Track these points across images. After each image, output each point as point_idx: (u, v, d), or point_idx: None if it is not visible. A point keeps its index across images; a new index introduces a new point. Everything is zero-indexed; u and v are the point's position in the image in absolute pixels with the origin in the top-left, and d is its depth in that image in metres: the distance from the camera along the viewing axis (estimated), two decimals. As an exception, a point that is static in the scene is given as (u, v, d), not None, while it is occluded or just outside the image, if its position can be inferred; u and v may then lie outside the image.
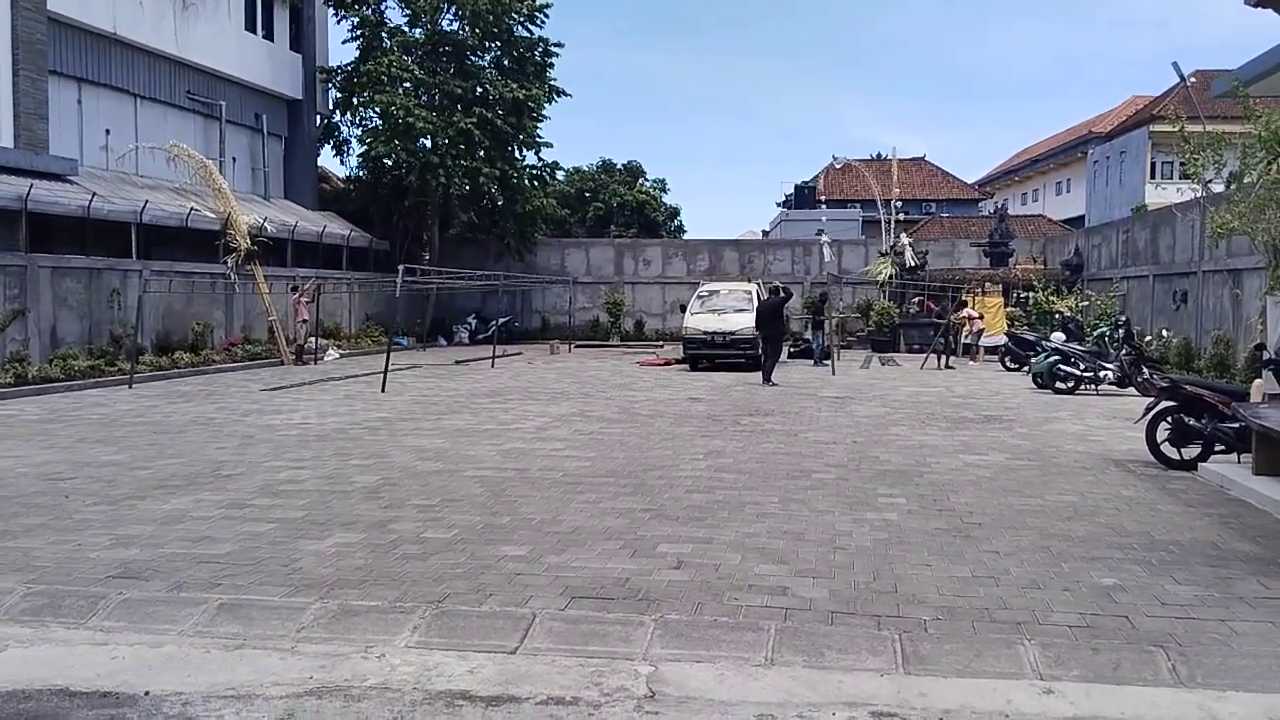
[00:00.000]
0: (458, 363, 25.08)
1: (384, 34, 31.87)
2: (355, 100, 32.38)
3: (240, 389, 18.12)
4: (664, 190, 51.78)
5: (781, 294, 21.25)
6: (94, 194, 21.34)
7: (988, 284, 27.86)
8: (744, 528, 7.30)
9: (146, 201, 22.81)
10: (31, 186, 19.61)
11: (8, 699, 4.40)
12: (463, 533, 7.14)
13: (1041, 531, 7.20)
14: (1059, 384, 17.85)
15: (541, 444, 11.39)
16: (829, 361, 23.37)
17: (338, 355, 26.20)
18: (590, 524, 7.40)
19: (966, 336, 25.84)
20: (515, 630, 5.17)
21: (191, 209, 24.18)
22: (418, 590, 5.75)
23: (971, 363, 24.96)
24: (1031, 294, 28.08)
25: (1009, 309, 27.83)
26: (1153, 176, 43.47)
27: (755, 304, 23.62)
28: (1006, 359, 22.94)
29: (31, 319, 18.76)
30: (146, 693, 4.48)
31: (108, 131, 24.71)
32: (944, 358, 23.85)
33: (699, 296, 25.02)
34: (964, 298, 26.82)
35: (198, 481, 9.10)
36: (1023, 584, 5.90)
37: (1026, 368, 20.34)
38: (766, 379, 19.14)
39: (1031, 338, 22.18)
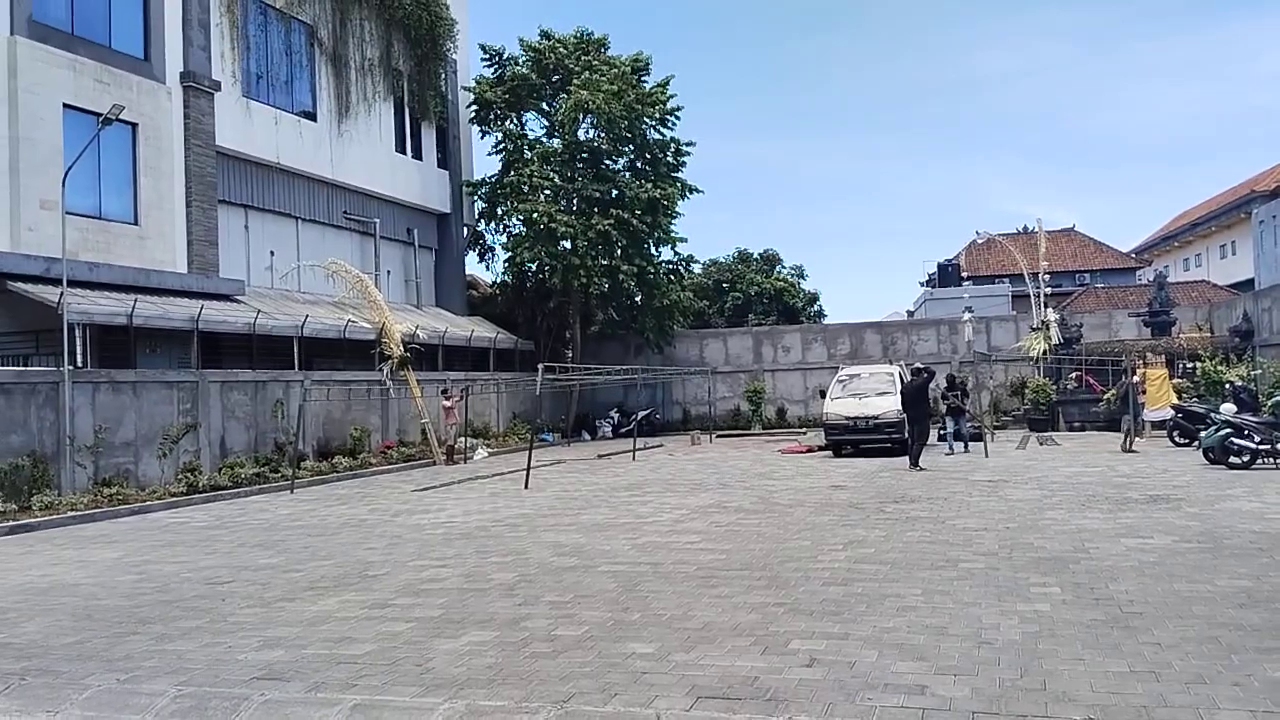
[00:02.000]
0: (600, 457, 25.33)
1: (525, 146, 33.37)
2: (499, 210, 33.87)
3: (393, 490, 18.76)
4: (802, 276, 51.60)
5: (924, 375, 20.66)
6: (259, 311, 22.86)
7: (1149, 354, 26.38)
8: (882, 622, 7.00)
9: (307, 316, 24.27)
10: (203, 308, 21.18)
11: (151, 800, 4.56)
12: (592, 629, 7.10)
13: (1209, 620, 6.63)
14: (1233, 458, 16.61)
15: (677, 537, 11.30)
16: (967, 446, 22.29)
17: (486, 454, 26.88)
18: (721, 619, 7.24)
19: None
20: (639, 732, 5.06)
21: (349, 321, 25.56)
22: (544, 690, 5.72)
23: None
24: (1198, 364, 26.44)
25: (1174, 380, 26.27)
26: (1328, 232, 40.64)
27: (898, 386, 23.10)
28: (1175, 434, 21.57)
29: (203, 431, 20.06)
30: (279, 794, 4.57)
31: (272, 253, 26.58)
32: (1129, 438, 21.34)
33: (839, 381, 24.63)
34: (1135, 363, 24.92)
35: (345, 582, 9.40)
36: (1186, 679, 5.41)
37: (1196, 443, 19.05)
38: (914, 463, 18.54)
39: (1201, 410, 20.81)
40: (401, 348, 25.17)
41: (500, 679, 5.98)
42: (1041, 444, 24.19)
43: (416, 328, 27.43)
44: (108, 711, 5.80)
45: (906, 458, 19.33)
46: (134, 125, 21.63)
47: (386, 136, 30.93)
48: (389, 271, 31.41)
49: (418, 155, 32.66)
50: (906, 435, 22.03)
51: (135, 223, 21.77)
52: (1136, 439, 22.19)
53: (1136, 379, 22.91)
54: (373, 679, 6.10)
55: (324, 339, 25.04)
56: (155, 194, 22.13)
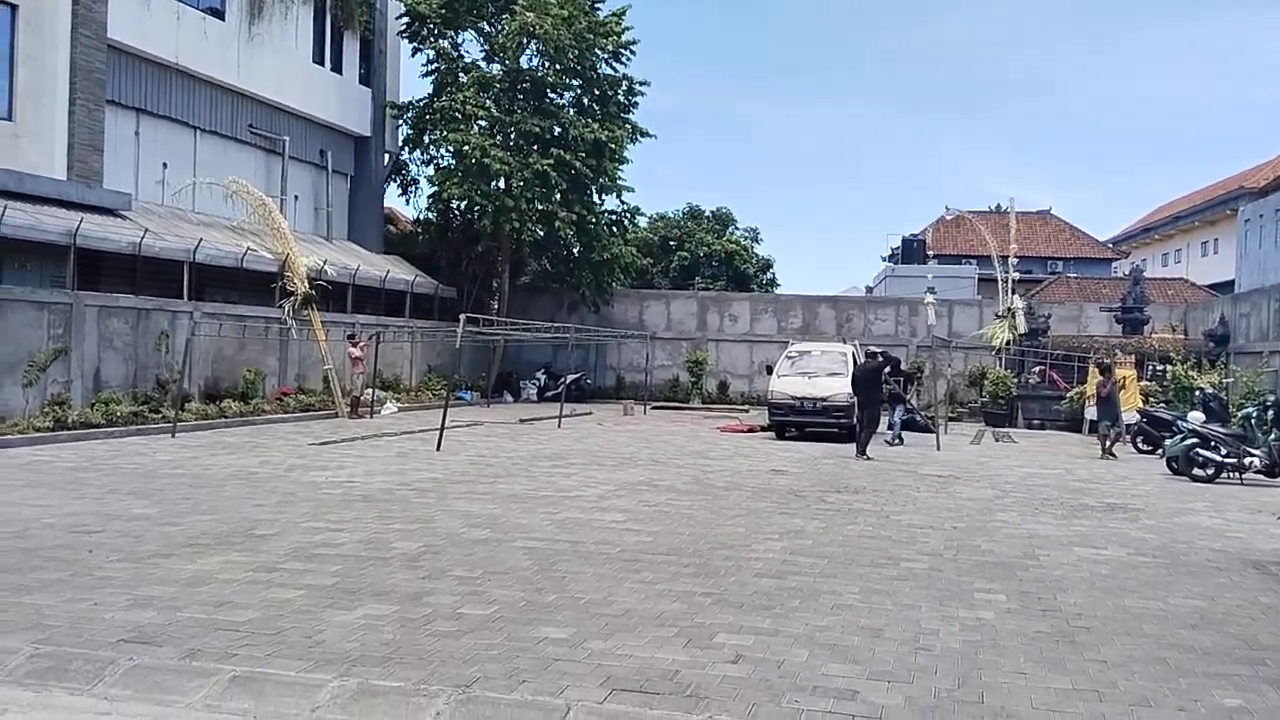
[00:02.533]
0: (522, 421, 25.33)
1: (460, 69, 32.86)
2: (427, 138, 33.41)
3: (288, 442, 18.56)
4: (756, 240, 52.07)
5: (878, 358, 20.98)
6: (146, 230, 22.30)
7: (1119, 353, 27.13)
8: (816, 620, 7.16)
9: (201, 240, 23.74)
10: (82, 221, 20.58)
11: (-2, 768, 4.51)
12: (502, 609, 7.15)
13: (1159, 640, 6.91)
14: (1197, 470, 17.21)
15: (601, 514, 11.39)
16: (900, 437, 22.52)
17: (395, 409, 26.69)
18: (643, 607, 7.34)
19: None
20: (547, 723, 5.13)
21: (248, 249, 25.07)
22: (446, 671, 5.75)
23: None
24: (1169, 367, 27.27)
25: (1142, 383, 27.06)
26: (1315, 237, 42.06)
27: (851, 368, 23.42)
28: (1139, 440, 22.26)
29: (75, 360, 19.57)
30: (143, 770, 4.55)
31: (165, 165, 25.89)
32: (1109, 443, 20.99)
33: (788, 357, 24.91)
34: (1109, 361, 25.17)
35: (229, 541, 9.31)
36: (1131, 700, 5.64)
37: (1160, 450, 19.69)
38: (860, 452, 18.87)
39: (1167, 417, 21.49)
40: (307, 283, 24.80)
41: (397, 657, 6.00)
42: (997, 440, 24.79)
43: (325, 262, 27.03)
44: (-49, 668, 5.69)
45: (853, 444, 19.66)
46: (13, 7, 20.81)
47: (303, 44, 30.24)
48: (296, 197, 30.83)
49: (337, 68, 32.00)
50: (855, 421, 22.42)
51: (8, 118, 21.01)
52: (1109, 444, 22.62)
53: (1116, 380, 23.03)
54: (255, 649, 6.08)
55: (219, 267, 24.53)
56: (34, 87, 21.36)
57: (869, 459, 18.55)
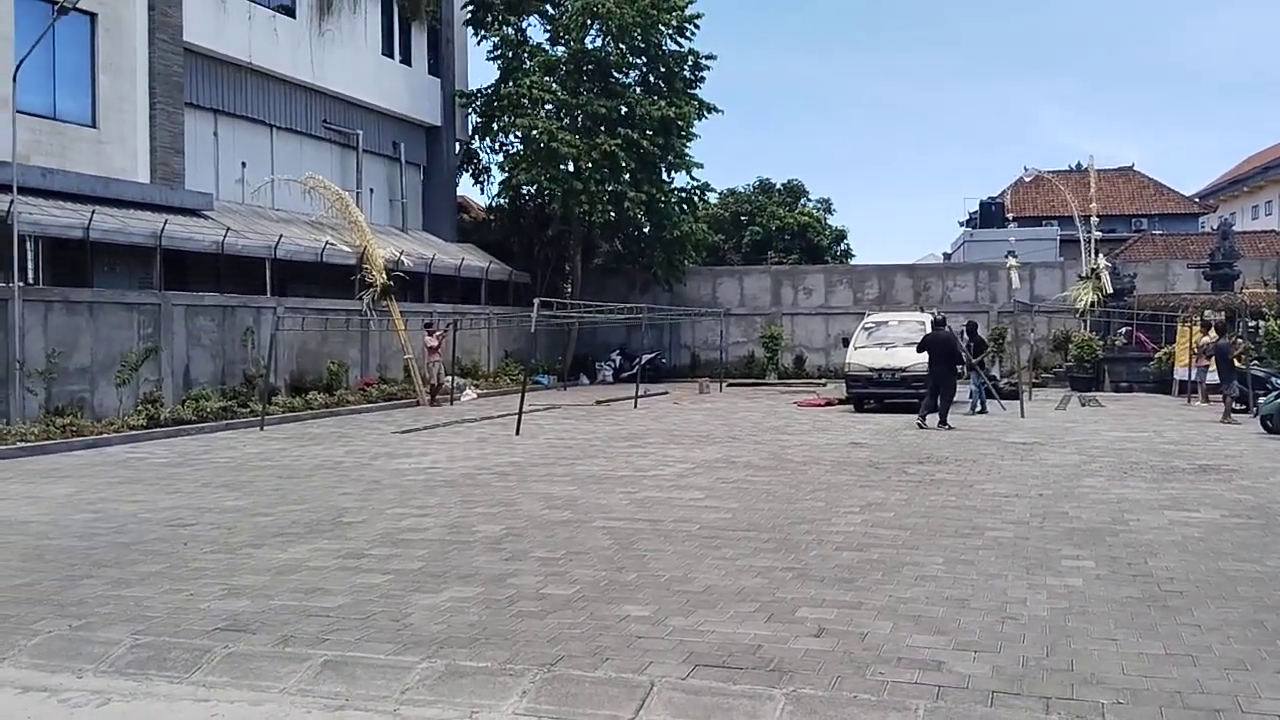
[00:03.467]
0: (598, 403, 25.47)
1: (525, 54, 32.99)
2: (495, 125, 33.64)
3: (372, 431, 18.91)
4: (829, 211, 51.52)
5: (947, 326, 20.51)
6: (228, 228, 22.85)
7: (1208, 312, 26.32)
8: (899, 592, 7.10)
9: (281, 236, 24.24)
10: (166, 222, 21.18)
11: (106, 753, 4.69)
12: (584, 589, 7.21)
13: (1256, 603, 6.71)
14: (1294, 428, 16.67)
15: (679, 493, 11.42)
16: (986, 407, 22.11)
17: (475, 395, 27.02)
18: (724, 583, 7.35)
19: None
20: (630, 700, 5.16)
21: (327, 243, 25.54)
22: (530, 651, 5.83)
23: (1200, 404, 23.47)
24: (1262, 323, 26.37)
25: (1236, 339, 26.17)
26: None
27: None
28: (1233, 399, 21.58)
29: (165, 358, 20.17)
30: (242, 753, 4.69)
31: (243, 164, 26.48)
32: (1228, 408, 19.92)
33: (865, 328, 24.65)
34: (1222, 319, 24.09)
35: (318, 529, 9.53)
36: (1226, 665, 5.50)
37: (1254, 409, 19.08)
38: (942, 422, 18.59)
39: (1261, 374, 20.79)
40: (384, 275, 25.17)
41: (483, 638, 6.09)
42: (1084, 405, 24.27)
43: (401, 253, 27.41)
44: (59, 659, 5.91)
45: (933, 414, 19.32)
46: (93, 15, 21.42)
47: (372, 38, 30.62)
48: (372, 189, 31.30)
49: (406, 60, 32.36)
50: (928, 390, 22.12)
51: (93, 125, 21.68)
52: (1200, 403, 21.80)
53: (1227, 341, 21.44)
54: (346, 634, 6.22)
55: (299, 262, 25.04)
56: (115, 94, 22.00)
57: (950, 429, 18.26)
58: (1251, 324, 27.08)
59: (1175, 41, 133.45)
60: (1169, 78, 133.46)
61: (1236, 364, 20.66)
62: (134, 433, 17.66)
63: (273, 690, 5.45)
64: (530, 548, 8.60)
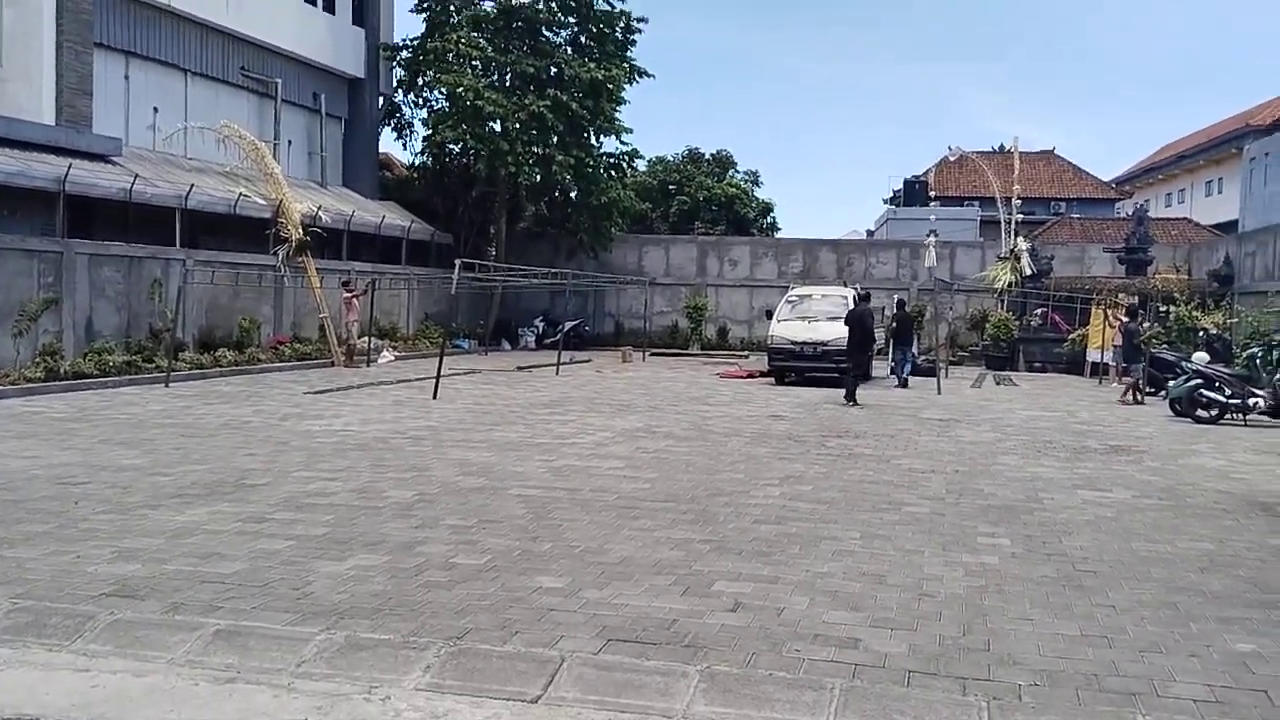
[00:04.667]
0: (520, 369, 25.14)
1: (453, 7, 32.21)
2: (420, 80, 32.84)
3: (283, 391, 18.39)
4: (757, 184, 51.45)
5: (868, 301, 20.76)
6: (137, 175, 21.95)
7: (1122, 295, 26.85)
8: (816, 566, 7.01)
9: (193, 186, 23.38)
10: (71, 167, 20.22)
11: (-30, 728, 4.36)
12: (496, 559, 6.99)
13: (1167, 584, 6.76)
14: (1200, 411, 17.06)
15: (598, 462, 11.23)
16: (908, 382, 22.46)
17: (392, 357, 26.50)
18: (640, 555, 7.18)
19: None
20: (540, 675, 4.97)
21: (240, 195, 24.70)
22: (436, 623, 5.60)
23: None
24: (1172, 307, 27.02)
25: (1145, 324, 26.77)
26: (1322, 176, 41.57)
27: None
28: (1140, 382, 22.05)
29: (66, 309, 19.33)
30: (121, 728, 4.40)
31: (155, 110, 25.45)
32: (1135, 391, 20.36)
33: (788, 301, 24.65)
34: (1134, 303, 24.44)
35: (219, 491, 9.15)
36: (1140, 646, 5.49)
37: (1163, 392, 19.50)
38: (849, 398, 18.57)
39: (1171, 358, 21.26)
40: (301, 230, 24.44)
41: (387, 609, 5.85)
42: (999, 383, 24.63)
43: (319, 208, 26.66)
44: (-73, 624, 5.53)
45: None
46: (-5, -55, 20.30)
47: (295, -16, 29.57)
48: (290, 142, 30.37)
49: (329, 8, 31.37)
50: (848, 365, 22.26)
51: (-6, 62, 20.58)
52: (1115, 384, 22.16)
53: (1137, 324, 22.25)
54: (241, 602, 5.92)
55: (211, 213, 24.19)
56: (19, 28, 20.92)
57: (858, 405, 18.21)
58: (1163, 309, 27.72)
59: (1097, 30, 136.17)
60: (1090, 65, 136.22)
61: (1142, 347, 21.10)
62: (31, 385, 16.92)
63: (159, 660, 5.15)
64: (442, 515, 8.34)
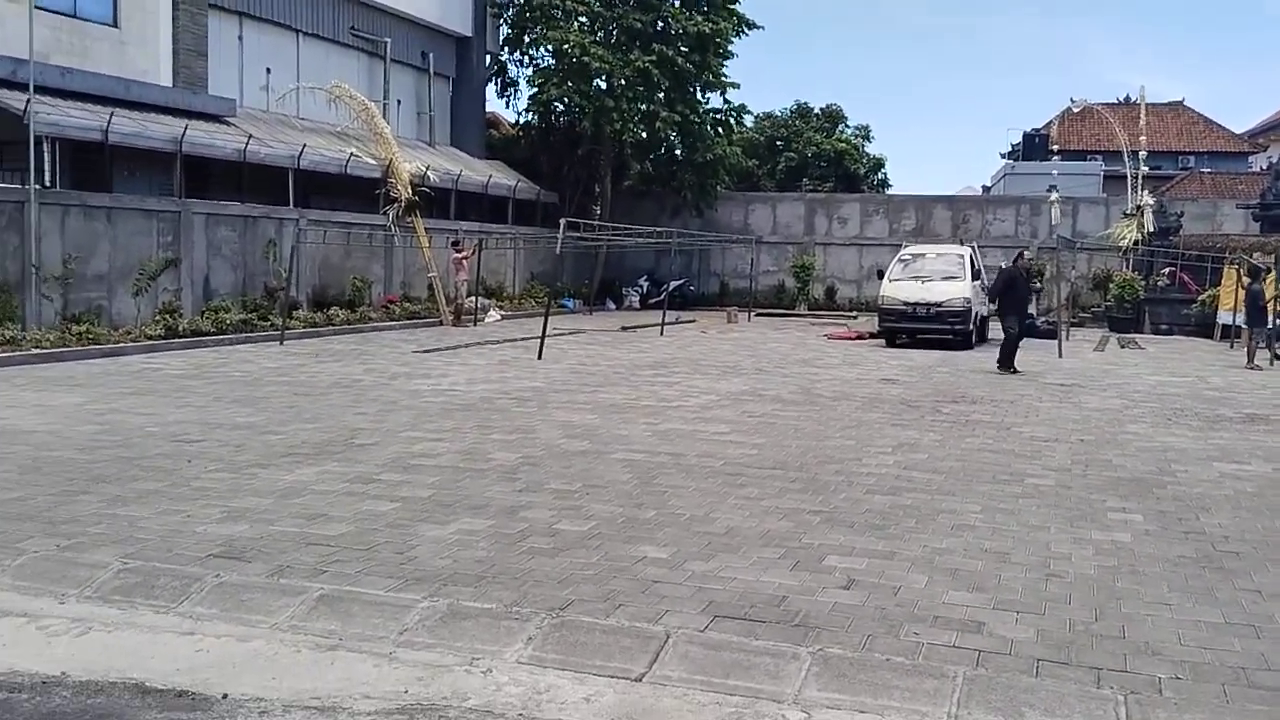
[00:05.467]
0: (624, 329, 25.03)
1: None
2: (527, 37, 32.72)
3: (393, 350, 18.60)
4: (867, 139, 50.22)
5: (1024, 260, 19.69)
6: (251, 136, 22.34)
7: (1257, 254, 25.40)
8: (934, 542, 6.69)
9: (305, 146, 23.72)
10: (187, 127, 20.67)
11: (79, 691, 4.38)
12: (600, 526, 6.84)
13: (1320, 569, 6.27)
14: (1347, 379, 16.04)
15: (703, 425, 11.02)
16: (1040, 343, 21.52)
17: (499, 317, 26.64)
18: (747, 525, 6.96)
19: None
20: (644, 652, 4.80)
21: (351, 155, 25.00)
22: (539, 593, 5.47)
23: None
24: (1313, 268, 25.45)
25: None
26: None
27: (969, 271, 22.46)
28: (1278, 346, 20.87)
29: (184, 268, 19.85)
30: (224, 695, 4.37)
31: (268, 70, 25.86)
32: (1254, 352, 19.42)
33: (900, 260, 23.96)
34: (1259, 264, 23.16)
35: (328, 450, 9.21)
36: (1294, 639, 5.08)
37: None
38: (1006, 364, 17.26)
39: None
40: (410, 190, 24.63)
41: (490, 576, 5.75)
42: (1123, 346, 23.61)
43: (428, 168, 26.84)
44: (43, 582, 5.62)
45: (969, 351, 18.68)
46: (113, -90, 20.74)
47: (404, -60, 29.67)
48: (399, 101, 30.61)
49: (437, -34, 31.38)
50: (970, 328, 21.52)
51: (114, 24, 21.14)
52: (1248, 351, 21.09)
53: (1260, 285, 20.94)
54: (346, 565, 5.89)
55: (323, 173, 24.55)
56: (137, -7, 21.41)
57: (1017, 372, 17.03)
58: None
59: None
60: (1220, 12, 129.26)
61: (1266, 309, 19.92)
62: (151, 343, 17.41)
63: (263, 625, 5.13)
64: (546, 479, 8.24)
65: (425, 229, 25.28)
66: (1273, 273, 22.06)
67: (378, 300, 24.76)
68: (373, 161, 25.14)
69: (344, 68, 27.89)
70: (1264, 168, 44.42)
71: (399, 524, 6.80)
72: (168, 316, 18.50)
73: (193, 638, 4.98)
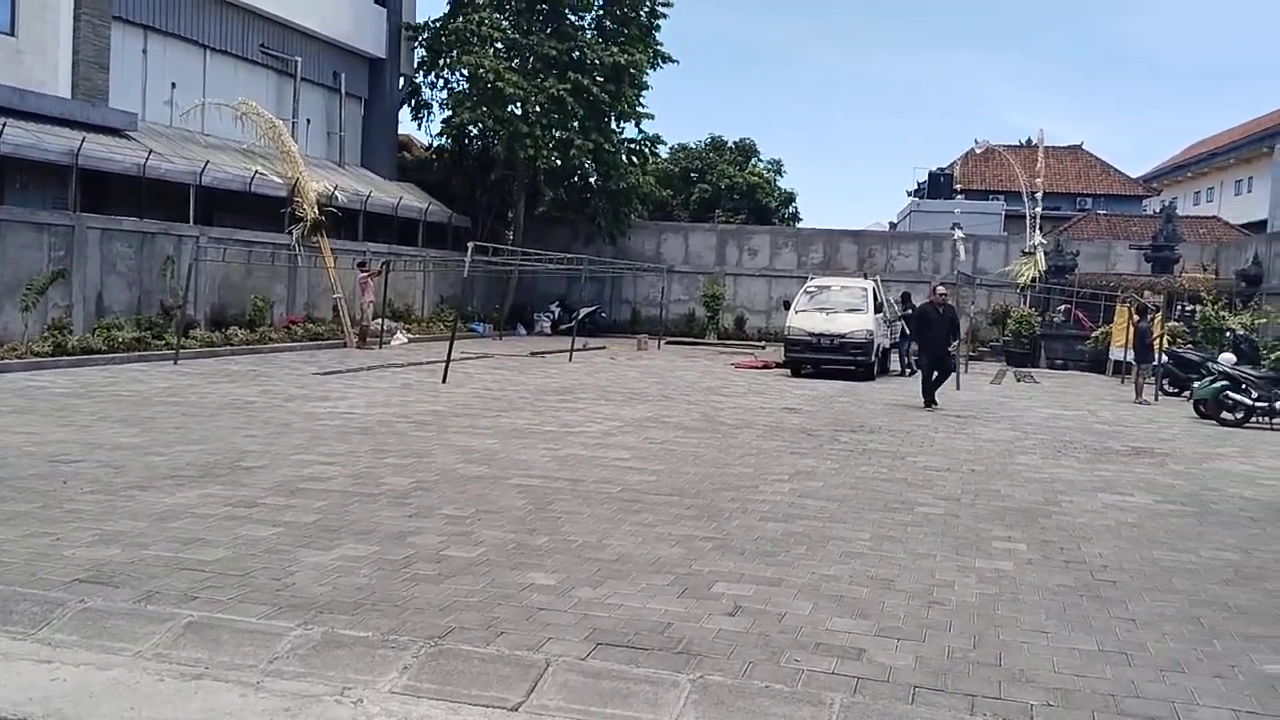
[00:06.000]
0: (533, 354, 24.90)
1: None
2: (442, 60, 32.53)
3: (292, 371, 18.20)
4: (779, 173, 50.88)
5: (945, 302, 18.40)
6: (152, 151, 21.73)
7: (1147, 293, 26.33)
8: (822, 569, 6.71)
9: (208, 162, 23.17)
10: (84, 140, 20.04)
11: (-84, 722, 4.13)
12: (489, 552, 6.72)
13: (1191, 597, 6.43)
14: (1225, 414, 16.64)
15: (604, 451, 10.95)
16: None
17: (406, 340, 26.30)
18: (639, 552, 6.90)
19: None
20: (522, 681, 4.70)
21: (256, 173, 24.51)
22: (419, 620, 5.34)
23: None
24: (1199, 307, 26.49)
25: (1172, 324, 26.25)
26: (1355, 177, 40.84)
27: (872, 303, 22.84)
28: (1165, 382, 21.61)
29: (76, 283, 19.18)
30: (75, 727, 4.15)
31: (173, 85, 25.22)
32: (1141, 389, 20.12)
33: (806, 292, 24.28)
34: (1146, 302, 24.00)
35: (213, 473, 8.93)
36: (1162, 665, 5.18)
37: (1188, 393, 19.07)
38: (930, 401, 16.97)
39: (1195, 358, 20.81)
40: (316, 209, 24.24)
41: (370, 603, 5.59)
42: (1019, 380, 24.21)
43: (336, 188, 26.46)
44: (-111, 608, 5.31)
45: (870, 382, 18.93)
46: (12, -86, 20.10)
47: (317, -39, 29.30)
48: (309, 120, 30.13)
49: (352, -14, 31.06)
50: (872, 360, 21.87)
51: (10, 32, 20.42)
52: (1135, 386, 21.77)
53: (1147, 323, 21.61)
54: (219, 592, 5.68)
55: (226, 190, 24.01)
56: (37, 0, 20.71)
57: (935, 405, 16.96)
58: (1189, 308, 27.19)
59: (1128, 26, 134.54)
60: (1121, 61, 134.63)
61: (1153, 346, 20.67)
62: (38, 360, 16.78)
63: (125, 653, 4.91)
64: (438, 504, 8.09)
65: (332, 249, 24.87)
66: (1160, 312, 22.91)
67: (279, 321, 24.23)
68: (279, 180, 24.69)
69: (253, 85, 27.39)
70: (1157, 211, 46.13)
71: (279, 549, 6.60)
72: (57, 333, 17.84)
73: (50, 665, 4.74)
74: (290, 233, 24.33)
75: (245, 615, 5.32)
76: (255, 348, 21.51)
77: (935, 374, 17.25)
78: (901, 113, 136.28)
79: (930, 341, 17.56)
